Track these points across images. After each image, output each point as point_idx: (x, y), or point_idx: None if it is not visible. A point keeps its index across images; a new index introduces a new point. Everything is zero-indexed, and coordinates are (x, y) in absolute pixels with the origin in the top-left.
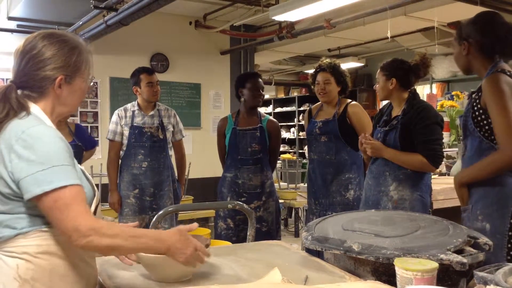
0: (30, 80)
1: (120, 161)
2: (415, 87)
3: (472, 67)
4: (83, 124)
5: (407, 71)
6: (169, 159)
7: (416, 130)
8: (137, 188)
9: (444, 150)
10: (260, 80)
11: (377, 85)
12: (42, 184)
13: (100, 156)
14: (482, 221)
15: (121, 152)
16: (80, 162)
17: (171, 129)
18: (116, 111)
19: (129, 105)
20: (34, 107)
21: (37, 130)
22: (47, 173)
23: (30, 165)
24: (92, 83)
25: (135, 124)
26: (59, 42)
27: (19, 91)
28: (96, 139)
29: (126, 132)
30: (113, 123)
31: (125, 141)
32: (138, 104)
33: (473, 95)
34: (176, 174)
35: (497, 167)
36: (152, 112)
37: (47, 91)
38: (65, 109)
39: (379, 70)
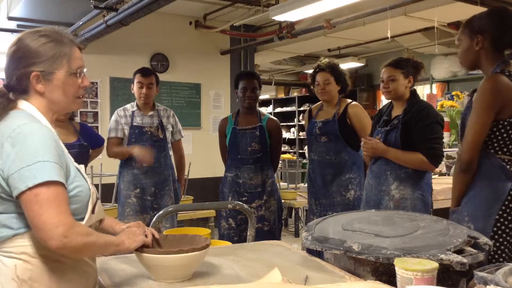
0: (10, 80)
1: (120, 161)
2: (415, 87)
3: (480, 62)
4: None
5: (419, 69)
6: (169, 158)
7: (417, 129)
8: (138, 187)
9: (444, 150)
10: (255, 80)
11: (390, 84)
12: (27, 180)
13: (100, 156)
14: (468, 221)
15: None
16: (87, 161)
17: (170, 129)
18: (116, 111)
19: (128, 106)
20: (28, 106)
21: (27, 128)
22: (31, 169)
23: (16, 162)
24: (82, 75)
25: (135, 124)
26: (36, 39)
27: (11, 93)
28: None
29: (126, 132)
30: (113, 121)
31: (125, 141)
32: (137, 105)
33: (474, 94)
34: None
35: (456, 177)
36: (151, 112)
37: (28, 89)
38: (57, 107)
39: (392, 68)
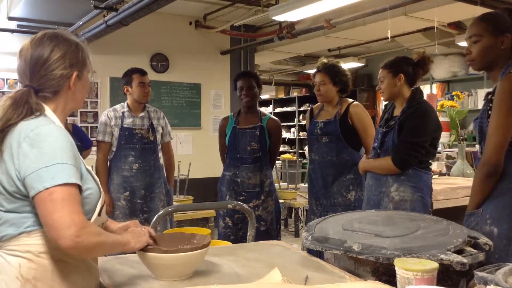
0: (48, 81)
1: (109, 163)
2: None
3: (497, 63)
4: (83, 124)
5: (413, 66)
6: (159, 160)
7: (404, 128)
8: (127, 190)
9: (444, 150)
10: (252, 79)
11: (381, 85)
12: (45, 181)
13: None
14: (490, 225)
15: (110, 153)
16: None
17: (161, 131)
18: (105, 112)
19: (118, 106)
20: (45, 108)
21: (45, 129)
22: (50, 170)
23: (34, 162)
24: (92, 79)
25: (125, 126)
26: (65, 41)
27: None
28: (94, 139)
29: (116, 134)
30: (102, 124)
31: (114, 143)
32: (128, 105)
33: (489, 96)
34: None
35: (483, 181)
36: (142, 114)
37: (63, 89)
38: (75, 105)
39: (382, 69)
